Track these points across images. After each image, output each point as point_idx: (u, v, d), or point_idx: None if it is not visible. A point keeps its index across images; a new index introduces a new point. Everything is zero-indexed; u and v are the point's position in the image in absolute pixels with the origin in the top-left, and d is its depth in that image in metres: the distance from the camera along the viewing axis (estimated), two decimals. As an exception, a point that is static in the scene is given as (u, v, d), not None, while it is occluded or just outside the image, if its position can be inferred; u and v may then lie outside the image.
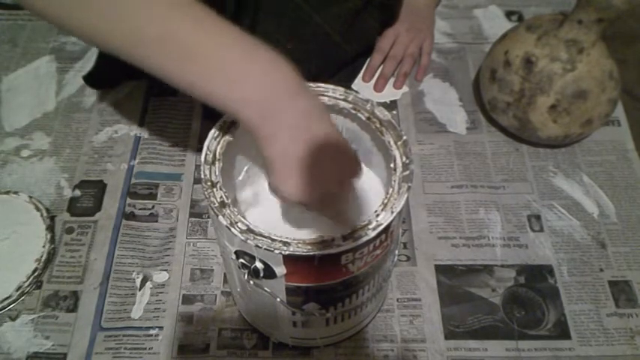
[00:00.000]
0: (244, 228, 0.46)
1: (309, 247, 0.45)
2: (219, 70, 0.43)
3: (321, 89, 0.55)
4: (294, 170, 0.45)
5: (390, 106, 0.83)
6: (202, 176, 0.49)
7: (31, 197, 0.72)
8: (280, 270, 0.47)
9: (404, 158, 0.50)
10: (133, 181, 0.75)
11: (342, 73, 0.83)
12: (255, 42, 0.45)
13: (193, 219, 0.72)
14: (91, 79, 0.82)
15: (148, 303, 0.66)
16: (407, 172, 0.49)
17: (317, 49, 0.76)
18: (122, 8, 0.42)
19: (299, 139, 0.45)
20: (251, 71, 0.44)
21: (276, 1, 0.72)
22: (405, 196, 0.48)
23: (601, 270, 0.68)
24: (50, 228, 0.70)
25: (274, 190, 0.47)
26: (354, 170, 0.50)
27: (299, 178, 0.45)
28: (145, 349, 0.63)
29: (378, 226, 0.46)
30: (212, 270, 0.68)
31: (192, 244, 0.70)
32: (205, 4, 0.67)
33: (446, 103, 0.84)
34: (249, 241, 0.45)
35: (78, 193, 0.74)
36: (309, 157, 0.45)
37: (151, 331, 0.64)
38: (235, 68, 0.44)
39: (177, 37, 0.43)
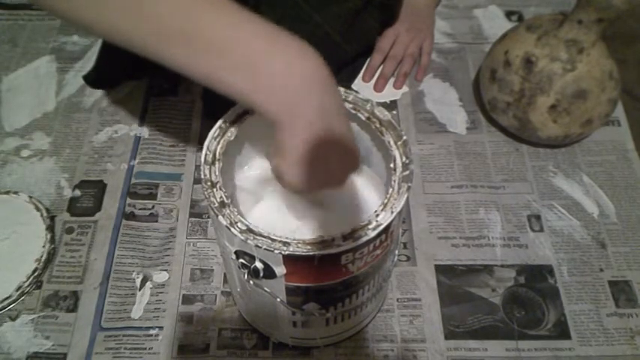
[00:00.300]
0: (244, 228, 0.46)
1: (309, 247, 0.45)
2: (242, 62, 0.42)
3: (321, 89, 0.55)
4: (302, 161, 0.44)
5: (390, 106, 0.83)
6: (202, 176, 0.49)
7: (31, 197, 0.72)
8: (280, 270, 0.47)
9: (404, 158, 0.50)
10: (133, 181, 0.75)
11: (343, 73, 0.83)
12: (280, 31, 0.44)
13: (193, 219, 0.72)
14: (91, 79, 0.82)
15: (148, 303, 0.66)
16: (407, 172, 0.49)
17: (317, 49, 0.76)
18: (144, 3, 0.41)
19: (316, 133, 0.44)
20: (276, 62, 0.43)
21: (275, 0, 0.72)
22: (405, 196, 0.48)
23: (601, 270, 0.68)
24: (50, 228, 0.70)
25: (277, 174, 0.47)
26: (355, 167, 0.50)
27: (304, 170, 0.45)
28: (145, 349, 0.63)
29: (378, 226, 0.46)
30: (212, 270, 0.68)
31: (192, 244, 0.70)
32: None
33: (446, 103, 0.84)
34: (249, 241, 0.45)
35: (78, 193, 0.74)
36: (320, 152, 0.44)
37: (151, 331, 0.64)
38: (260, 59, 0.42)
39: (199, 30, 0.41)
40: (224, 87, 0.43)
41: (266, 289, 0.51)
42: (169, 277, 0.67)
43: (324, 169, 0.46)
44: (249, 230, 0.46)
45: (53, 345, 0.63)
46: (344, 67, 0.83)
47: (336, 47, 0.77)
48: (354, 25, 0.78)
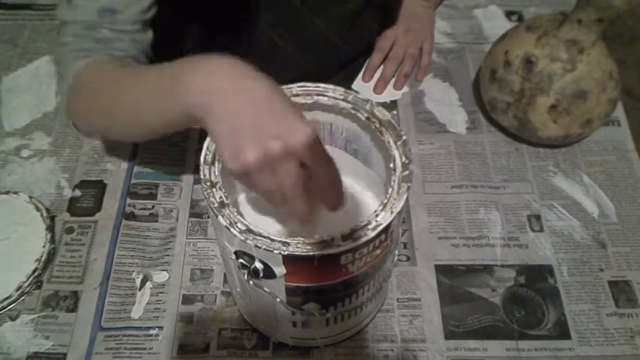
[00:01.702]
0: (244, 228, 0.46)
1: (309, 247, 0.45)
2: (169, 94, 0.46)
3: (320, 89, 0.55)
4: (227, 135, 0.42)
5: (390, 106, 0.83)
6: (202, 176, 0.49)
7: (31, 197, 0.72)
8: (280, 270, 0.47)
9: (403, 158, 0.50)
10: (133, 181, 0.75)
11: (342, 73, 0.83)
12: (188, 60, 0.46)
13: (193, 219, 0.72)
14: None
15: (148, 303, 0.66)
16: (406, 172, 0.49)
17: (316, 50, 0.76)
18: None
19: (228, 102, 0.42)
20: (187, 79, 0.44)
21: (275, 3, 0.72)
22: (405, 196, 0.48)
23: (601, 270, 0.68)
24: (50, 228, 0.70)
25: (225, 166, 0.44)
26: (296, 130, 0.42)
27: (231, 142, 0.41)
28: (145, 349, 0.63)
29: (378, 226, 0.46)
30: (212, 270, 0.68)
31: (192, 244, 0.70)
32: (205, 5, 0.67)
33: (446, 103, 0.84)
34: (248, 241, 0.45)
35: (78, 193, 0.74)
36: (239, 115, 0.42)
37: (151, 331, 0.64)
38: (178, 85, 0.45)
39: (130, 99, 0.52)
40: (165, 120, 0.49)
41: (266, 289, 0.51)
42: (169, 277, 0.67)
43: (248, 131, 0.41)
44: (249, 230, 0.46)
45: (53, 345, 0.63)
46: (344, 67, 0.83)
47: (335, 49, 0.78)
48: (354, 27, 0.78)
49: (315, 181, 0.45)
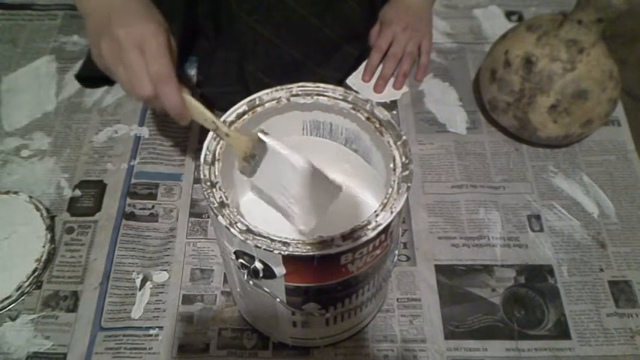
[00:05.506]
0: (244, 228, 0.46)
1: (309, 247, 0.45)
2: None
3: (320, 89, 0.55)
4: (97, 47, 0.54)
5: (390, 106, 0.83)
6: (202, 176, 0.49)
7: (31, 197, 0.72)
8: (280, 270, 0.47)
9: (403, 158, 0.50)
10: (133, 181, 0.75)
11: (332, 62, 0.81)
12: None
13: (193, 219, 0.72)
14: (83, 77, 0.81)
15: (148, 303, 0.66)
16: (406, 172, 0.49)
17: (294, 33, 0.76)
18: None
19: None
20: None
21: None
22: (405, 196, 0.48)
23: (601, 270, 0.68)
24: (50, 228, 0.70)
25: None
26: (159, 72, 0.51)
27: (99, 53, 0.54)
28: (145, 349, 0.63)
29: (378, 226, 0.46)
30: (212, 270, 0.68)
31: (192, 244, 0.70)
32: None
33: (446, 103, 0.84)
34: (248, 242, 0.45)
35: (78, 193, 0.74)
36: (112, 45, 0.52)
37: (151, 331, 0.64)
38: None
39: None
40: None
41: (266, 289, 0.51)
42: (169, 277, 0.67)
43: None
44: (249, 230, 0.46)
45: (53, 345, 0.63)
46: (330, 53, 0.81)
47: (313, 30, 0.76)
48: (331, 7, 0.77)
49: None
